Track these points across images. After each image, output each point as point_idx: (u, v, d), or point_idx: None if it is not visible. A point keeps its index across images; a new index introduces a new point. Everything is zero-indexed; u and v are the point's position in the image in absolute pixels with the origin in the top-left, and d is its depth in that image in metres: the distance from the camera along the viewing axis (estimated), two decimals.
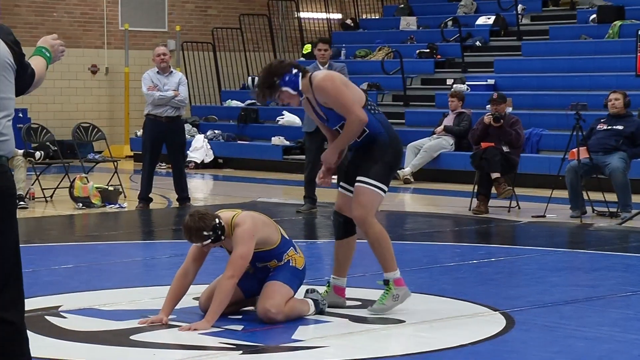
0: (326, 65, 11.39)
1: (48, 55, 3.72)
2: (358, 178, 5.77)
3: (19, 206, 11.51)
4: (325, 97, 5.70)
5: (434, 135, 15.28)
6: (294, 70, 5.72)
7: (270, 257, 5.68)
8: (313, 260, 8.51)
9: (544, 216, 10.93)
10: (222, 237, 5.58)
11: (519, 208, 11.66)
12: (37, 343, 5.21)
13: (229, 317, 5.68)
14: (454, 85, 16.73)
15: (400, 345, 5.33)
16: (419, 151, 15.12)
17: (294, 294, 5.74)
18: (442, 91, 16.85)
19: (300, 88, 5.74)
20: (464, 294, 6.63)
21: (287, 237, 5.84)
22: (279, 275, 5.66)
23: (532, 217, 10.98)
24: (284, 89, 5.71)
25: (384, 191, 5.78)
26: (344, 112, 5.66)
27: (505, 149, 11.41)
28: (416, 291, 6.66)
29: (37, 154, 12.20)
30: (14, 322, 3.39)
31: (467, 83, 17.00)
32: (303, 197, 11.46)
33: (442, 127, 15.18)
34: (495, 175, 11.34)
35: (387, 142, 5.79)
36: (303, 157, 17.17)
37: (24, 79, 3.57)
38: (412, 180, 14.99)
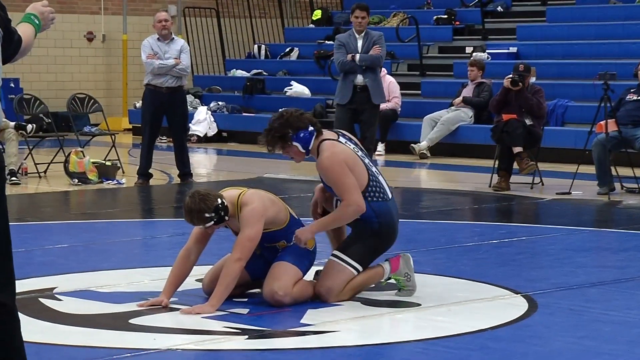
0: (363, 34, 11.40)
1: (37, 22, 3.70)
2: (334, 252, 5.82)
3: (10, 182, 11.53)
4: (325, 177, 5.73)
5: (452, 107, 15.25)
6: (310, 128, 5.76)
7: (278, 237, 5.69)
8: (325, 240, 8.53)
9: (569, 193, 10.91)
10: (226, 218, 5.58)
11: (543, 184, 11.64)
12: (30, 327, 5.23)
13: (234, 300, 5.69)
14: (474, 54, 16.67)
15: (416, 330, 5.34)
16: (436, 124, 15.10)
17: (303, 276, 5.75)
18: (461, 60, 16.79)
19: (310, 148, 5.77)
20: (483, 275, 6.63)
21: (296, 217, 5.84)
22: (288, 255, 5.67)
23: (557, 194, 10.96)
24: (295, 144, 5.73)
25: (358, 271, 5.81)
26: (341, 196, 5.68)
27: (528, 121, 11.38)
28: (433, 272, 6.67)
29: (30, 126, 12.21)
30: (5, 303, 3.39)
31: (487, 51, 16.93)
32: None
33: (460, 98, 15.15)
34: (517, 149, 11.32)
35: (376, 230, 5.82)
36: None
37: (10, 47, 3.54)
38: (429, 155, 14.98)
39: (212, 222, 5.54)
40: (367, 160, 5.90)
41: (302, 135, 5.73)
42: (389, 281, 5.99)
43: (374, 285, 6.04)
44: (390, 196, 5.91)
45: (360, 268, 5.80)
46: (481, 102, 14.83)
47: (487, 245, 7.90)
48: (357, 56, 11.38)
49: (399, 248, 7.85)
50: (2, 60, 3.55)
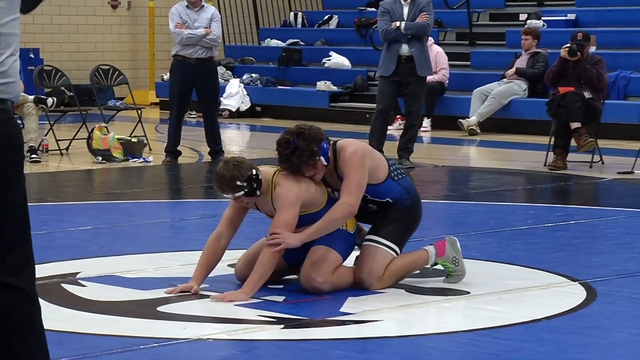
0: (409, 0, 11.35)
1: None
2: (368, 237, 5.85)
3: (30, 159, 11.64)
4: (345, 169, 5.70)
5: (504, 79, 15.17)
6: (325, 142, 5.77)
7: (316, 220, 5.69)
8: None
9: (631, 172, 10.84)
10: (258, 193, 5.59)
11: (603, 163, 11.57)
12: (52, 314, 5.28)
13: (269, 286, 5.71)
14: (528, 21, 16.56)
15: (464, 320, 5.34)
16: (487, 98, 15.04)
17: (343, 261, 5.76)
18: (514, 28, 16.69)
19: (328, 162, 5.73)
20: (537, 261, 6.61)
21: (335, 197, 5.84)
22: (327, 239, 5.68)
23: (618, 173, 10.89)
24: (320, 158, 5.67)
25: (397, 253, 5.83)
26: (343, 192, 5.64)
27: (587, 94, 11.30)
28: (482, 258, 6.66)
29: (50, 100, 12.29)
30: (23, 288, 3.43)
31: (543, 18, 16.81)
32: None
33: (513, 69, 15.07)
34: (575, 125, 11.25)
35: (409, 207, 5.86)
36: (352, 104, 17.23)
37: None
38: (479, 131, 14.93)
39: (242, 192, 5.55)
40: None
41: (324, 146, 5.71)
42: (435, 267, 5.98)
43: (418, 272, 6.04)
44: None
45: (396, 249, 5.81)
46: (536, 73, 14.74)
47: (541, 229, 7.88)
48: (403, 24, 11.34)
49: (446, 231, 7.85)
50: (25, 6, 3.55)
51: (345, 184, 5.66)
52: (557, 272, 6.29)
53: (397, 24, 11.35)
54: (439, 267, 5.99)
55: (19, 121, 11.90)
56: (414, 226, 5.95)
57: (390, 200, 5.84)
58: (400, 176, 5.89)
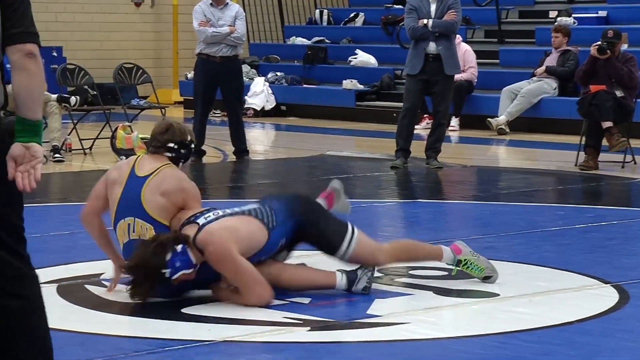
0: None
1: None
2: (334, 256, 5.74)
3: (54, 159, 11.70)
4: (223, 271, 5.39)
5: (534, 78, 15.13)
6: (179, 247, 5.29)
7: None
8: (411, 221, 8.52)
9: None
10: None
11: (635, 163, 11.52)
12: (75, 315, 5.31)
13: None
14: (558, 19, 16.50)
15: (493, 323, 5.32)
16: (516, 96, 14.99)
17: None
18: (544, 25, 16.62)
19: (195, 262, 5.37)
20: (568, 263, 6.59)
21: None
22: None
23: None
24: (170, 270, 5.29)
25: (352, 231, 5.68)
26: (241, 292, 5.41)
27: (618, 93, 11.26)
28: (512, 260, 6.64)
29: (73, 99, 12.34)
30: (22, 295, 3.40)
31: (573, 15, 16.75)
32: (395, 150, 11.45)
33: (543, 68, 15.02)
34: (606, 124, 11.20)
35: (302, 220, 5.66)
36: (379, 103, 17.22)
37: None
38: (508, 130, 14.88)
39: (172, 155, 5.74)
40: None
41: (178, 259, 5.29)
42: (460, 268, 5.92)
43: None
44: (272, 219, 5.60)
45: (349, 233, 5.64)
46: (566, 72, 14.69)
47: (572, 230, 7.85)
48: (430, 22, 11.32)
49: (474, 232, 7.84)
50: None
51: (241, 286, 5.34)
52: (589, 274, 6.26)
53: (425, 21, 11.33)
54: (462, 269, 5.92)
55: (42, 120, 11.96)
56: (322, 209, 5.81)
57: (285, 239, 5.59)
58: (272, 217, 5.53)
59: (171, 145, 5.81)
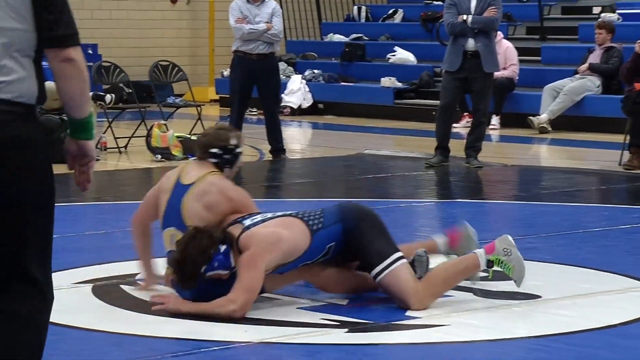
0: None
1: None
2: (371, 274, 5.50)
3: None
4: (238, 269, 5.34)
5: (577, 75, 15.04)
6: (223, 247, 5.30)
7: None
8: (445, 223, 8.49)
9: None
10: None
11: None
12: (111, 315, 5.34)
13: None
14: (602, 15, 16.40)
15: (535, 325, 5.30)
16: (558, 94, 14.92)
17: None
18: (587, 21, 16.53)
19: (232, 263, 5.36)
20: (612, 264, 6.55)
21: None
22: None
23: None
24: (213, 273, 5.30)
25: (397, 256, 5.46)
26: (234, 288, 5.28)
27: None
28: (554, 261, 6.61)
29: (108, 97, 12.40)
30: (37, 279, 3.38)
31: (617, 11, 16.64)
32: (435, 147, 11.44)
33: (586, 65, 14.93)
34: None
35: (353, 225, 5.48)
36: (417, 101, 17.19)
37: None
38: (550, 129, 14.81)
39: (216, 161, 5.65)
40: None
41: (217, 259, 5.29)
42: (494, 269, 5.66)
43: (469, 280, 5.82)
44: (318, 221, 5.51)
45: (392, 257, 5.43)
46: (610, 69, 14.59)
47: (616, 231, 7.80)
48: (469, 17, 11.29)
49: (516, 233, 7.81)
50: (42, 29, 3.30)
51: (235, 285, 5.26)
52: (633, 276, 6.22)
53: (464, 17, 11.30)
54: (496, 268, 5.78)
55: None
56: (378, 224, 5.54)
57: (335, 243, 5.47)
58: (319, 219, 5.46)
59: (213, 150, 5.72)
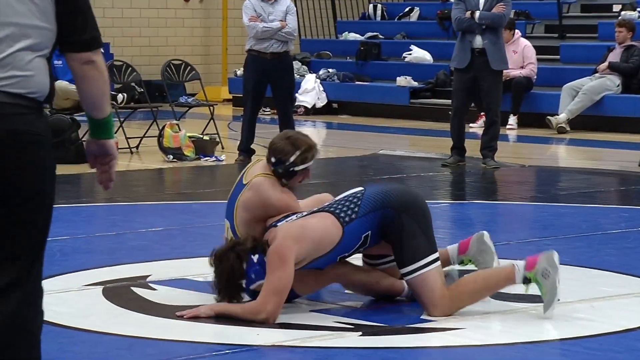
0: None
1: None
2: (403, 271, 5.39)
3: None
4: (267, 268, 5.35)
5: (596, 74, 15.01)
6: (255, 256, 5.35)
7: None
8: (461, 224, 8.48)
9: None
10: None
11: None
12: (122, 318, 5.35)
13: (346, 291, 5.72)
14: (622, 13, 16.36)
15: (552, 329, 5.29)
16: (577, 94, 14.89)
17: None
18: (607, 20, 16.49)
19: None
20: (632, 267, 6.54)
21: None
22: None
23: None
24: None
25: (430, 260, 5.34)
26: (261, 293, 5.25)
27: None
28: (573, 263, 6.59)
29: (120, 96, 12.43)
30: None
31: (638, 9, 16.59)
32: (450, 147, 11.46)
33: (606, 64, 14.90)
34: None
35: (394, 215, 5.34)
36: (434, 101, 17.18)
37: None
38: (568, 128, 14.79)
39: (274, 169, 5.61)
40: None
41: (253, 271, 5.33)
42: (531, 284, 5.46)
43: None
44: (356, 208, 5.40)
45: (425, 260, 5.30)
46: (630, 68, 14.56)
47: (636, 233, 7.78)
48: (477, 13, 11.26)
49: (533, 235, 7.79)
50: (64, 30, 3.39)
51: (263, 287, 5.23)
52: None
53: (471, 12, 11.26)
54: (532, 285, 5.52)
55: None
56: (421, 217, 5.37)
57: (372, 231, 5.37)
58: (353, 210, 5.34)
59: (272, 159, 5.67)
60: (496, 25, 11.29)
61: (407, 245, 5.33)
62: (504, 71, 11.68)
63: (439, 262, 5.38)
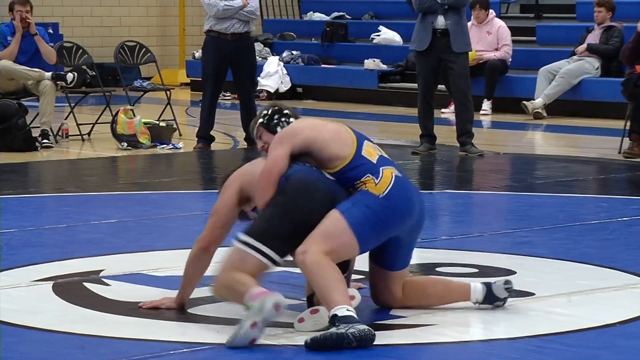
0: None
1: None
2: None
3: (43, 144, 11.73)
4: None
5: (574, 57, 15.08)
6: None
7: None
8: (431, 214, 8.51)
9: None
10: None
11: None
12: (73, 316, 5.34)
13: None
14: None
15: (527, 325, 5.31)
16: (554, 77, 14.95)
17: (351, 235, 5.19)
18: None
19: None
20: (612, 259, 6.58)
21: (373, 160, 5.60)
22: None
23: None
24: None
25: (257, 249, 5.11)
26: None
27: None
28: (550, 256, 6.63)
29: (70, 75, 12.21)
30: None
31: None
32: (419, 135, 11.48)
33: (584, 46, 14.97)
34: None
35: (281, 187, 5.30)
36: (403, 85, 17.20)
37: None
38: (545, 114, 14.85)
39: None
40: None
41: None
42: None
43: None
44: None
45: (254, 243, 5.11)
46: (610, 50, 14.63)
47: (615, 224, 7.83)
48: None
49: (508, 226, 7.83)
50: None
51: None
52: (633, 272, 6.25)
53: None
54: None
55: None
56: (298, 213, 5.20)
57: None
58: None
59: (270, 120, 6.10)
60: (459, 5, 11.29)
61: (260, 217, 5.20)
62: (477, 54, 11.71)
63: (263, 260, 5.12)
